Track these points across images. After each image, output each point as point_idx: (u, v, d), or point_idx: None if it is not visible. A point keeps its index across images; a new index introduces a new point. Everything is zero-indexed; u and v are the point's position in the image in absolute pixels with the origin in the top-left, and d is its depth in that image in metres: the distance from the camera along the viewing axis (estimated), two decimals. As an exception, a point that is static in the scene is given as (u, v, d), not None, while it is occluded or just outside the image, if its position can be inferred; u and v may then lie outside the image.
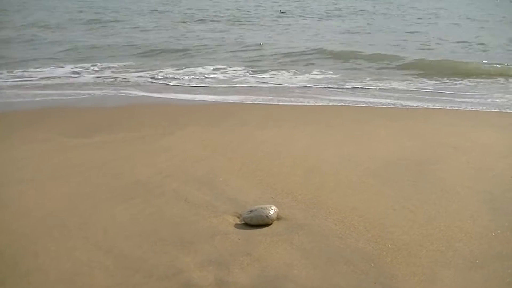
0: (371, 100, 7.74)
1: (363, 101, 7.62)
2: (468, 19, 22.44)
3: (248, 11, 24.61)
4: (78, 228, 3.32)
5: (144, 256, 2.96)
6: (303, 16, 23.09)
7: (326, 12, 25.30)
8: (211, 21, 20.18)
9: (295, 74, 10.02)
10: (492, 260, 2.94)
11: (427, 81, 9.37)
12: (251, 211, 3.41)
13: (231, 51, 12.77)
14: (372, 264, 2.88)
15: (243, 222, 3.40)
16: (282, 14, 23.61)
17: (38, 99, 7.63)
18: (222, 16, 21.77)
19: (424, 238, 3.19)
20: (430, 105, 7.36)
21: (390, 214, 3.54)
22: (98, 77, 9.44)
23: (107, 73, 9.84)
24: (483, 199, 3.80)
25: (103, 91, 8.29)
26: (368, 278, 2.74)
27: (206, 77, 9.66)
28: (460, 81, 9.34)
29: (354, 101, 7.63)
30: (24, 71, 9.79)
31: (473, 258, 2.96)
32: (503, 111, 7.09)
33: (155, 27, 17.85)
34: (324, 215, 3.50)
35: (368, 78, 9.57)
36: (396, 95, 8.20)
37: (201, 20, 20.27)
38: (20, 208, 3.62)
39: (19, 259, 2.92)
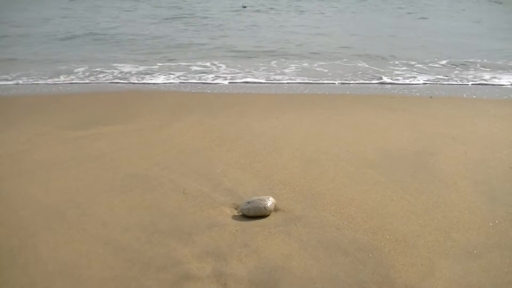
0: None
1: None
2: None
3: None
4: (77, 220, 3.32)
5: (142, 248, 2.96)
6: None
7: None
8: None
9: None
10: (490, 250, 2.94)
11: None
12: (248, 203, 3.41)
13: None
14: (370, 255, 2.88)
15: (240, 213, 3.40)
16: (243, 9, 22.59)
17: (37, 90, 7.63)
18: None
19: (422, 228, 3.20)
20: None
21: (388, 204, 3.54)
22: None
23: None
24: (481, 189, 3.80)
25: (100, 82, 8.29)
26: (366, 269, 2.74)
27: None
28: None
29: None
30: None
31: (471, 248, 2.96)
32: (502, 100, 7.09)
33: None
34: (322, 206, 3.50)
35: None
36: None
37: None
38: (19, 200, 3.61)
39: (18, 251, 2.92)
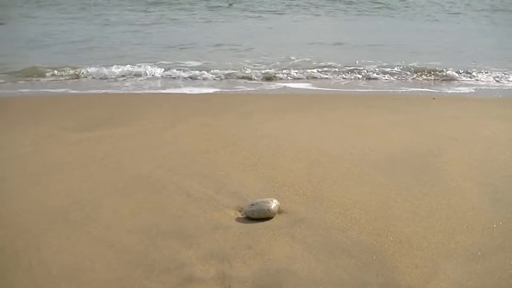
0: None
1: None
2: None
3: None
4: (80, 222, 3.32)
5: (146, 250, 2.96)
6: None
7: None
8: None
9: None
10: (494, 252, 2.93)
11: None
12: (252, 205, 3.41)
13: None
14: (374, 257, 2.87)
15: (244, 215, 3.39)
16: (230, 6, 21.13)
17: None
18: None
19: (426, 230, 3.19)
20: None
21: (391, 206, 3.53)
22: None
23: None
24: (485, 191, 3.79)
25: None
26: (370, 271, 2.74)
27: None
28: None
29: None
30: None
31: (475, 250, 2.95)
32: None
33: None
34: (325, 208, 3.50)
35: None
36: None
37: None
38: (22, 203, 3.62)
39: (21, 254, 2.92)
